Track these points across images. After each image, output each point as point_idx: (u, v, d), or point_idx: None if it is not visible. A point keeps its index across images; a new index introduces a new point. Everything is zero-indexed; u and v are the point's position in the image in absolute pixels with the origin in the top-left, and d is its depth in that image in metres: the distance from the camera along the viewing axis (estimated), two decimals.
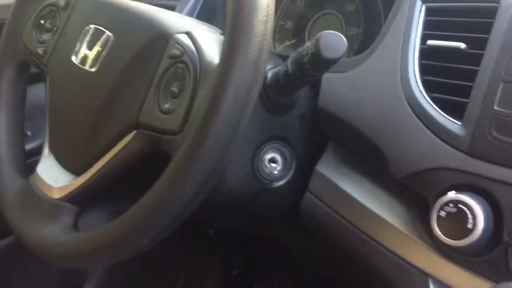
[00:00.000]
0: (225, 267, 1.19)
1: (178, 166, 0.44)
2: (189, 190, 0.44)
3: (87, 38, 0.58)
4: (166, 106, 0.50)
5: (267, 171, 0.64)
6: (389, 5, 0.70)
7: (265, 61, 0.45)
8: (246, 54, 0.43)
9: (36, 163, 0.63)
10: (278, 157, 0.65)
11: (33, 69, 0.71)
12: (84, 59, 0.58)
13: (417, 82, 0.56)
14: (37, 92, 0.87)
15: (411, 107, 0.54)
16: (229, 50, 0.43)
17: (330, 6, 0.84)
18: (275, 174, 0.64)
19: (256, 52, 0.43)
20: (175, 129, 0.48)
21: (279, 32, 0.89)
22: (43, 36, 0.66)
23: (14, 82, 0.68)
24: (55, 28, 0.65)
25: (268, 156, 0.64)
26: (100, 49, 0.56)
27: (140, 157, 0.53)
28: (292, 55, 0.53)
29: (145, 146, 0.52)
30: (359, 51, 0.78)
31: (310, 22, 0.86)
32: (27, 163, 0.67)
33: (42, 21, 0.66)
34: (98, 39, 0.57)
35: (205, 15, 0.95)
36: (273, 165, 0.64)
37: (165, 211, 0.44)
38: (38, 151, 0.88)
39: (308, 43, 0.50)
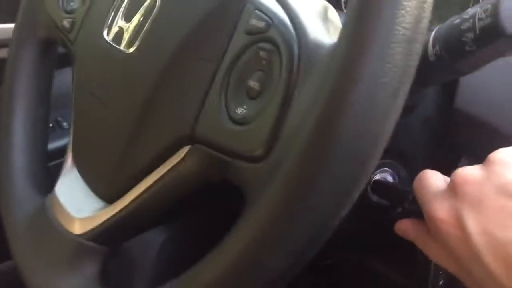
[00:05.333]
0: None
1: (264, 225, 0.25)
2: (280, 265, 0.26)
3: (125, 3, 0.40)
4: (240, 111, 0.31)
5: (374, 199, 0.45)
6: None
7: (422, 39, 0.25)
8: (394, 27, 0.24)
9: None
10: (389, 178, 0.45)
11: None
12: (119, 34, 0.40)
13: None
14: None
15: None
16: (361, 18, 0.24)
17: None
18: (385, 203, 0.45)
19: (412, 24, 0.24)
20: (254, 152, 0.29)
21: None
22: (72, 3, 0.49)
23: (35, 66, 0.52)
24: None
25: (376, 177, 0.45)
26: (142, 19, 0.38)
27: (194, 185, 0.35)
28: (438, 30, 0.33)
29: (202, 170, 0.34)
30: None
31: None
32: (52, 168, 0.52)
33: None
34: (139, 6, 0.39)
35: None
36: None
37: None
38: None
39: (472, 10, 0.30)
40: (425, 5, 0.25)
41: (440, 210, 0.30)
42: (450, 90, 0.45)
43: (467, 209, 0.28)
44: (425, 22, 0.25)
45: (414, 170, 0.46)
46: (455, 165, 0.48)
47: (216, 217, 0.74)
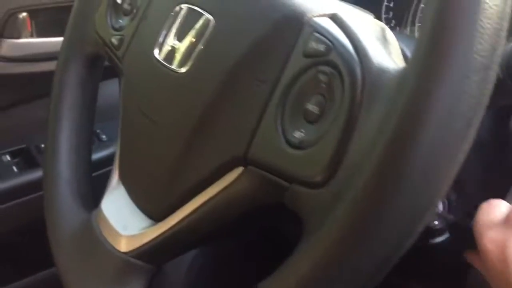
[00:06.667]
0: None
1: (326, 255, 0.25)
2: None
3: (177, 23, 0.40)
4: (297, 135, 0.30)
5: None
6: None
7: (497, 67, 0.24)
8: (472, 56, 0.23)
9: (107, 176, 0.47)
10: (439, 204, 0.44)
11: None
12: (170, 54, 0.40)
13: None
14: (116, 88, 0.71)
15: None
16: (435, 43, 0.23)
17: None
18: (433, 227, 0.44)
19: (489, 52, 0.23)
20: (314, 177, 0.28)
21: None
22: (120, 20, 0.50)
23: (82, 81, 0.53)
24: (135, 10, 0.48)
25: None
26: (195, 40, 0.38)
27: (246, 207, 0.35)
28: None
29: (256, 193, 0.33)
30: None
31: None
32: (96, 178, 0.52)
33: (119, 0, 0.50)
34: (192, 26, 0.39)
35: None
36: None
37: None
38: (112, 160, 0.73)
39: None
40: (501, 32, 0.24)
41: (490, 242, 0.29)
42: (504, 113, 0.43)
43: None
44: (500, 49, 0.24)
45: (465, 195, 0.45)
46: (508, 191, 0.46)
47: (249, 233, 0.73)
